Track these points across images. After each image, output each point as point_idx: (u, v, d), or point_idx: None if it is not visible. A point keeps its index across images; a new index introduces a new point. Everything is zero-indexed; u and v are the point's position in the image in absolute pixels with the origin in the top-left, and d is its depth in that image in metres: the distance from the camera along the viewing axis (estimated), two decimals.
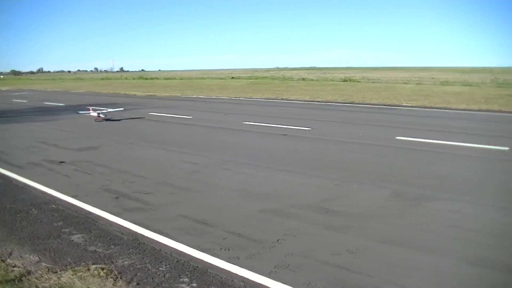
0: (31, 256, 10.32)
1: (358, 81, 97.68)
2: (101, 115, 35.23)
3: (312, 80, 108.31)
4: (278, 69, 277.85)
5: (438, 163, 19.66)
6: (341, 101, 50.79)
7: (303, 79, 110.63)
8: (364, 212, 13.17)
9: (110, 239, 11.36)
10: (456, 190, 15.27)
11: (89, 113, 36.11)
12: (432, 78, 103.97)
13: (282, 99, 55.86)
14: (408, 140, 24.84)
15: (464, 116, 37.49)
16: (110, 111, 36.99)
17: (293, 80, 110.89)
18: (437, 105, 45.29)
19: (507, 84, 78.86)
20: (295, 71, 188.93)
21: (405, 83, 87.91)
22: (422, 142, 24.31)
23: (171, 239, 11.17)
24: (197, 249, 10.47)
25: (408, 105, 46.25)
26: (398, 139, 25.23)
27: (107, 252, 10.56)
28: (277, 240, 10.97)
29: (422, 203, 14.04)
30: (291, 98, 55.93)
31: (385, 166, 19.13)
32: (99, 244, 11.04)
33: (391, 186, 15.74)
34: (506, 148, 22.26)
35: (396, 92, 62.86)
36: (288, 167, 18.88)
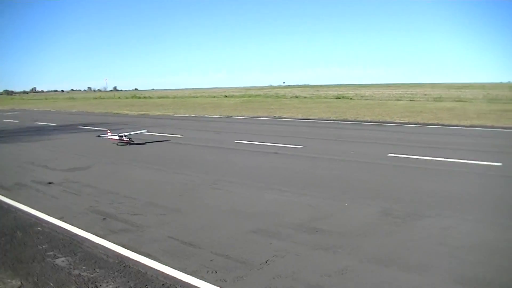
0: (13, 281, 10.10)
1: (351, 98, 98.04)
2: (124, 138, 32.10)
3: (305, 97, 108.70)
4: (272, 87, 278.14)
5: (430, 180, 19.53)
6: (334, 119, 50.79)
7: (296, 97, 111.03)
8: (354, 230, 12.99)
9: (95, 262, 11.12)
10: (447, 207, 15.12)
11: (107, 136, 33.14)
12: (425, 95, 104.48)
13: (275, 117, 55.76)
14: (399, 157, 24.72)
15: (456, 132, 37.47)
16: (133, 133, 33.65)
17: (286, 98, 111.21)
18: (429, 121, 45.31)
19: (499, 100, 79.35)
20: (289, 89, 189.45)
21: (398, 100, 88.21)
22: (414, 158, 24.21)
23: (158, 261, 10.94)
24: (184, 272, 10.26)
25: (401, 121, 46.29)
26: (390, 156, 25.12)
27: (92, 275, 10.32)
28: (266, 261, 10.77)
29: (413, 220, 13.89)
30: (284, 116, 55.85)
31: (376, 184, 18.99)
32: (84, 267, 10.80)
33: (382, 204, 15.58)
34: (499, 164, 22.20)
35: (389, 108, 62.99)
36: (279, 186, 18.71)
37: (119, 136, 32.37)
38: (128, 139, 32.05)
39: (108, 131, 34.33)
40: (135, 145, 31.60)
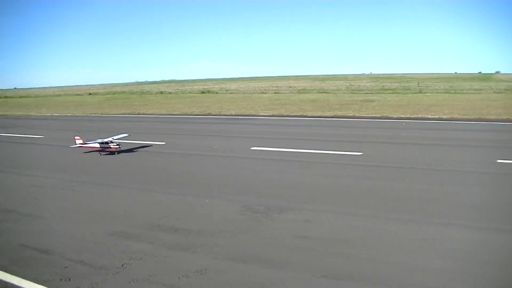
0: None
1: (216, 93, 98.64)
2: (112, 145, 26.28)
3: (170, 93, 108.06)
4: (138, 83, 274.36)
5: (291, 172, 19.96)
6: (198, 113, 50.79)
7: (161, 93, 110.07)
8: (214, 228, 12.96)
9: None
10: (308, 199, 15.54)
11: (78, 144, 27.11)
12: (290, 87, 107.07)
13: (138, 113, 54.83)
14: (262, 150, 25.08)
15: (320, 123, 38.70)
16: (116, 138, 27.69)
17: (151, 94, 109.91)
18: (293, 113, 46.50)
19: (360, 90, 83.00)
20: (154, 85, 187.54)
21: (263, 93, 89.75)
22: (277, 151, 24.66)
23: (7, 272, 10.37)
24: (35, 282, 9.79)
25: (265, 114, 47.13)
26: (253, 150, 25.40)
27: None
28: (122, 265, 10.54)
29: (273, 214, 14.08)
30: (147, 113, 55.04)
31: (238, 178, 19.16)
32: None
33: (243, 199, 15.73)
34: (360, 153, 23.01)
35: (254, 102, 63.87)
36: (139, 185, 18.48)
37: (100, 143, 26.49)
38: (118, 146, 26.36)
39: (77, 137, 27.80)
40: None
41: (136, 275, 9.94)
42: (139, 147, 27.74)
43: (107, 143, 26.26)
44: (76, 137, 27.71)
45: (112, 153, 26.01)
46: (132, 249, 11.52)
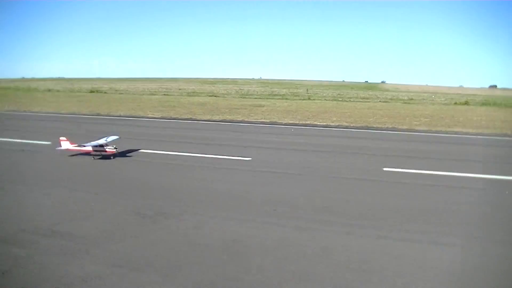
0: None
1: (105, 92, 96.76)
2: (107, 149, 23.96)
3: (58, 91, 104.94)
4: (24, 79, 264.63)
5: (181, 176, 20.15)
6: (87, 113, 49.46)
7: (49, 90, 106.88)
8: (100, 233, 12.77)
9: None
10: (197, 205, 15.70)
11: (64, 146, 24.52)
12: (180, 89, 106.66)
13: (24, 111, 52.47)
14: (150, 153, 25.01)
15: (209, 126, 39.08)
16: (109, 140, 25.21)
17: (39, 91, 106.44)
18: (183, 116, 46.54)
19: (250, 95, 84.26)
20: (42, 82, 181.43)
21: (153, 94, 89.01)
22: (165, 154, 24.70)
23: None
24: None
25: (154, 116, 46.82)
26: (141, 152, 25.28)
27: None
28: (3, 273, 10.13)
29: (162, 219, 14.09)
30: (34, 110, 52.72)
31: (124, 181, 18.98)
32: None
33: (130, 203, 15.64)
34: (249, 159, 23.36)
35: (143, 103, 63.20)
36: (23, 186, 17.85)
37: (94, 146, 24.01)
38: (114, 149, 24.03)
39: (62, 138, 25.02)
40: None
41: (16, 284, 9.67)
42: (21, 148, 26.70)
43: (101, 145, 23.87)
44: (61, 138, 24.79)
45: (106, 157, 23.72)
46: (13, 255, 11.14)
